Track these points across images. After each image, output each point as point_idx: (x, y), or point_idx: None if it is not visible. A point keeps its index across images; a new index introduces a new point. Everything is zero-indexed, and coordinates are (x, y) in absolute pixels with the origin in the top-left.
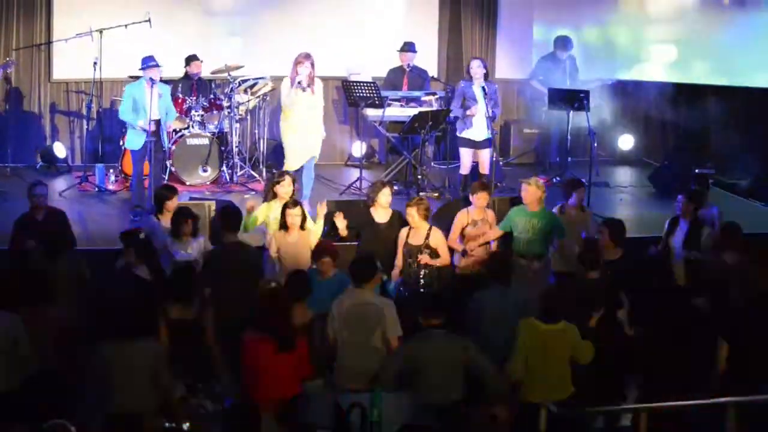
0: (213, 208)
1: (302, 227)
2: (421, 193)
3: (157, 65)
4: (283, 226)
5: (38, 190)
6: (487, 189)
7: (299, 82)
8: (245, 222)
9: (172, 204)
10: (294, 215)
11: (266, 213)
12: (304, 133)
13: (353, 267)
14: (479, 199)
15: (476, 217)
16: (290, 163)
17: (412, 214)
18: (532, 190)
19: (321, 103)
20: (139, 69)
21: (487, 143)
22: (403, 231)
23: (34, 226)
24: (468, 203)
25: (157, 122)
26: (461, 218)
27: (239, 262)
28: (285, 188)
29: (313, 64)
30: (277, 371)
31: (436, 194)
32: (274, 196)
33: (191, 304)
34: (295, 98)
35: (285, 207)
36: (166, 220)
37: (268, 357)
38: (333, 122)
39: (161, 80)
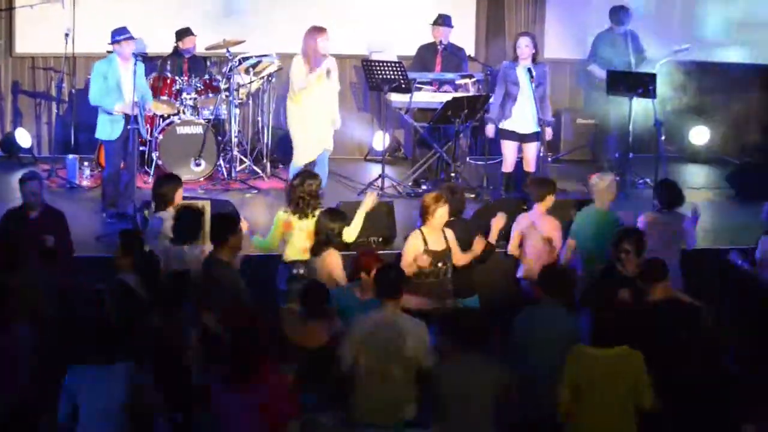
0: (208, 209)
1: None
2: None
3: (131, 37)
4: (320, 247)
5: (30, 186)
6: (554, 189)
7: (322, 67)
8: (269, 240)
9: (177, 197)
10: (337, 233)
11: (285, 222)
12: (317, 121)
13: (376, 278)
14: (548, 202)
15: (537, 221)
16: (299, 158)
17: (441, 212)
18: (608, 186)
19: (337, 86)
20: (109, 43)
21: (534, 137)
22: (416, 239)
23: (24, 224)
24: (520, 202)
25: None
26: (521, 224)
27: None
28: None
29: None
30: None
31: (473, 195)
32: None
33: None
34: (310, 80)
35: (324, 222)
36: (167, 215)
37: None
38: (350, 109)
39: (137, 56)
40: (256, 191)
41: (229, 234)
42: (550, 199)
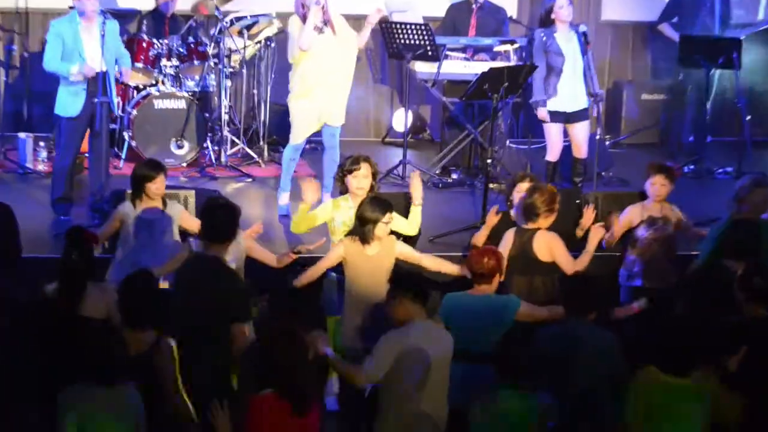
0: (192, 200)
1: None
2: (492, 186)
3: None
4: (363, 237)
5: None
6: (669, 172)
7: (324, 22)
8: (296, 219)
9: (156, 187)
10: (385, 223)
11: (331, 214)
12: (326, 93)
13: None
14: (656, 186)
15: (655, 214)
16: (297, 136)
17: (551, 219)
18: (666, 181)
19: (354, 50)
20: None
21: (583, 114)
22: (510, 237)
23: None
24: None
25: (103, 75)
26: (631, 215)
27: (208, 289)
28: (360, 181)
29: None
30: None
31: None
32: (345, 190)
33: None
34: (314, 40)
35: (367, 208)
36: (143, 208)
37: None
38: (365, 81)
39: (105, 13)
40: (250, 180)
41: (233, 229)
42: (659, 182)
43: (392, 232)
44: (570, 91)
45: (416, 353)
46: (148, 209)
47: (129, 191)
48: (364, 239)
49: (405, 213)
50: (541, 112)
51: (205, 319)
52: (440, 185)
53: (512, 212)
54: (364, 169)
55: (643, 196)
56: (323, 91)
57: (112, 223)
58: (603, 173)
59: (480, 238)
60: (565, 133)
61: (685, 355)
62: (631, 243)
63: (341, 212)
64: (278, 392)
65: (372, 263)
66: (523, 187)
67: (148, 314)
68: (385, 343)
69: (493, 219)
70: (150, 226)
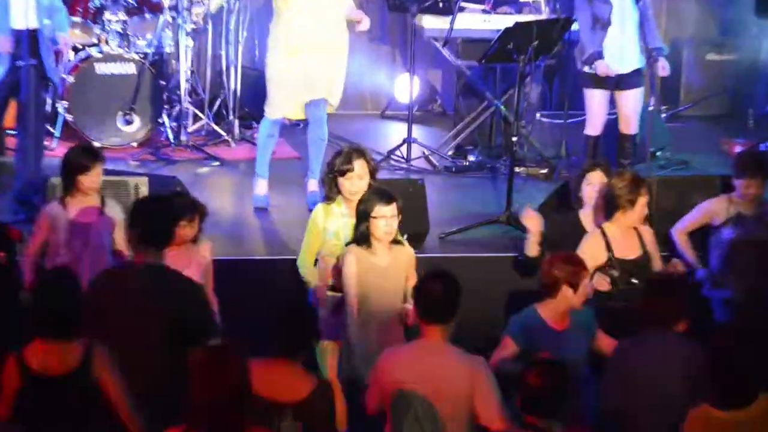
0: (144, 189)
1: (395, 239)
2: (518, 169)
3: None
4: (364, 238)
5: None
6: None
7: None
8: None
9: (91, 180)
10: (390, 217)
11: (322, 223)
12: (313, 58)
13: (416, 291)
14: (751, 190)
15: (745, 211)
16: (275, 107)
17: (643, 202)
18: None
19: (349, 1)
20: None
21: (635, 78)
22: (595, 242)
23: None
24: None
25: (32, 34)
26: (715, 208)
27: (152, 300)
28: (354, 183)
29: None
30: None
31: (545, 171)
32: (336, 191)
33: None
34: None
35: (368, 203)
36: (76, 208)
37: None
38: (360, 41)
39: None
40: (218, 163)
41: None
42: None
43: (409, 240)
44: (618, 48)
45: None
46: (82, 210)
47: (54, 181)
48: (363, 240)
49: (412, 204)
50: (601, 67)
51: (153, 343)
52: (454, 169)
53: (582, 213)
54: (359, 168)
55: (727, 184)
56: (315, 52)
57: (39, 231)
58: (658, 153)
59: (532, 250)
60: (612, 104)
61: (740, 382)
62: (716, 245)
63: (333, 220)
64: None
65: (382, 277)
66: (594, 178)
67: (77, 319)
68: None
69: (533, 223)
70: (85, 233)
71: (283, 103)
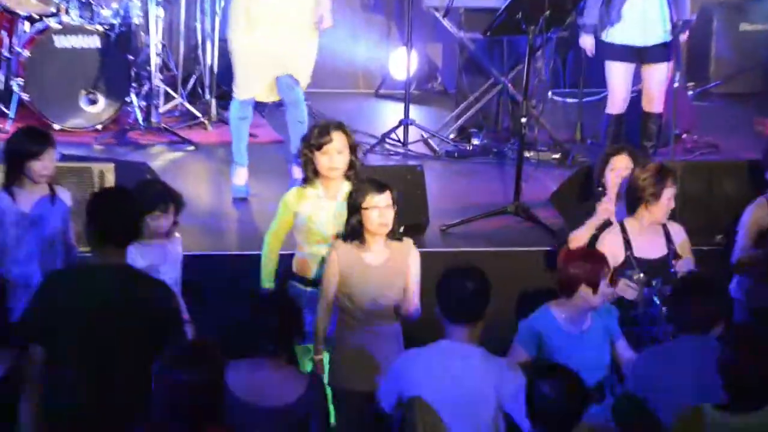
0: (110, 177)
1: (392, 233)
2: (528, 154)
3: None
4: (355, 232)
5: None
6: None
7: None
8: (276, 227)
9: (44, 167)
10: (384, 207)
11: (294, 207)
12: (277, 31)
13: (439, 287)
14: None
15: None
16: (243, 87)
17: (669, 194)
18: None
19: None
20: None
21: (661, 52)
22: (613, 236)
23: None
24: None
25: None
26: (757, 217)
27: (119, 305)
28: (333, 158)
29: None
30: None
31: (557, 156)
32: (314, 173)
33: None
34: None
35: (358, 193)
36: (28, 198)
37: None
38: (351, 10)
39: None
40: (192, 148)
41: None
42: None
43: (406, 233)
44: (642, 16)
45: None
46: (35, 201)
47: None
48: (354, 235)
49: (410, 193)
50: (585, 41)
51: (120, 351)
52: (456, 154)
53: (604, 200)
54: (337, 141)
55: (755, 171)
56: (278, 25)
57: None
58: (684, 135)
59: (580, 238)
60: (635, 79)
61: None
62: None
63: (307, 203)
64: None
65: (373, 277)
66: (619, 162)
67: (5, 326)
68: None
69: (607, 208)
70: (37, 226)
71: (250, 83)
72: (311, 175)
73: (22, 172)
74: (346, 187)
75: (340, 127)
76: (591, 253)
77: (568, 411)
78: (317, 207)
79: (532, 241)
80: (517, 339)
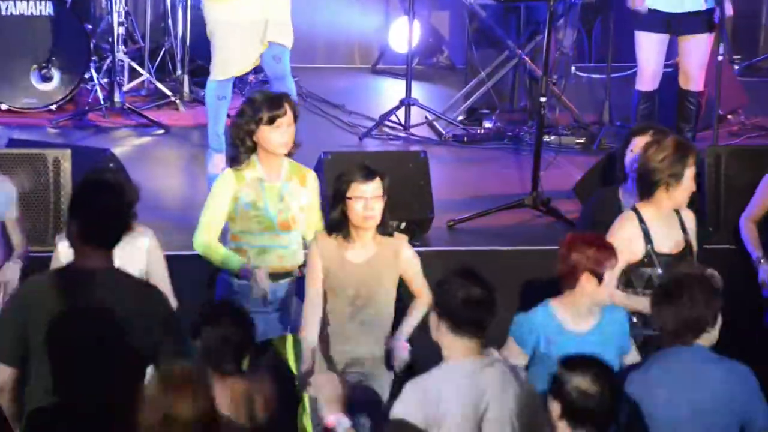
0: (67, 166)
1: (383, 227)
2: (548, 138)
3: None
4: (338, 225)
5: None
6: None
7: None
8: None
9: None
10: (371, 198)
11: (233, 191)
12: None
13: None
14: None
15: None
16: (223, 66)
17: (690, 174)
18: None
19: None
20: None
21: (700, 22)
22: (630, 226)
23: None
24: None
25: None
26: None
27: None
28: (284, 133)
29: None
30: None
31: (582, 140)
32: (252, 149)
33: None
34: None
35: (343, 179)
36: None
37: None
38: None
39: None
40: (162, 131)
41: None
42: None
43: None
44: None
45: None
46: None
47: None
48: (337, 227)
49: (412, 183)
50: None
51: (112, 362)
52: (465, 139)
53: (622, 188)
54: (289, 113)
55: None
56: None
57: None
58: (729, 116)
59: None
60: (671, 53)
61: None
62: None
63: (247, 187)
64: None
65: (353, 276)
66: (642, 143)
67: None
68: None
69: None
70: None
71: (231, 61)
72: (248, 154)
73: None
74: (287, 165)
75: (287, 96)
76: (598, 237)
77: (610, 407)
78: (260, 190)
79: (552, 239)
80: (512, 332)
